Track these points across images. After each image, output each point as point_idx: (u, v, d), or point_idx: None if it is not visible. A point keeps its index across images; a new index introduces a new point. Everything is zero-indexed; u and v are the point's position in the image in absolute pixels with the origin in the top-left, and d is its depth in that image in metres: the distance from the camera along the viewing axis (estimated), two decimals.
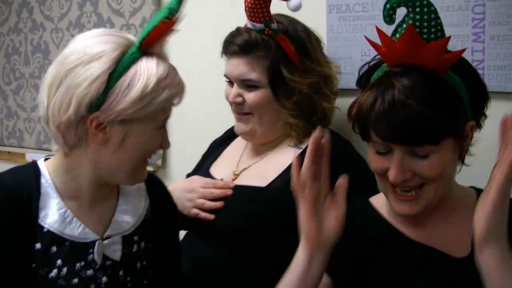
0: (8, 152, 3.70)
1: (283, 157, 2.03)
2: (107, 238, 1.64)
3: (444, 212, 1.57)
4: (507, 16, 1.93)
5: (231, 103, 2.09)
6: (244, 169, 2.12)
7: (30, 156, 3.32)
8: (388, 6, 1.50)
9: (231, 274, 1.99)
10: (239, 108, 2.07)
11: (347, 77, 2.15)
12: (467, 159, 1.59)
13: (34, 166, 1.65)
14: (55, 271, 1.57)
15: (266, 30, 2.02)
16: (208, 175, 2.15)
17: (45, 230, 1.57)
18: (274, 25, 2.02)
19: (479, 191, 1.58)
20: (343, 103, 2.01)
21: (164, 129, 1.65)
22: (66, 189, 1.62)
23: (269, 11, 2.02)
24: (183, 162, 2.52)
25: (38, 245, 1.56)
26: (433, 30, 1.47)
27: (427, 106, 1.41)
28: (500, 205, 1.36)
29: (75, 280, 1.59)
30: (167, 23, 1.56)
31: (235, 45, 2.04)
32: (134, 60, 1.55)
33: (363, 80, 1.59)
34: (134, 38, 1.60)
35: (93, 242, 1.62)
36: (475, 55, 1.98)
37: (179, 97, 1.62)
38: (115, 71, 1.53)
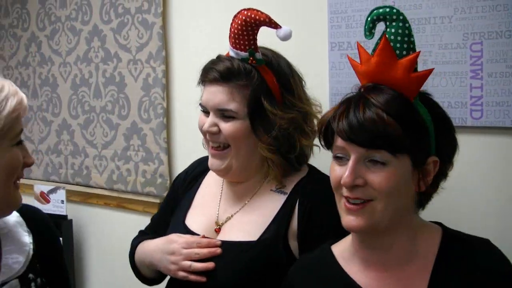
0: None
1: (268, 205, 1.94)
2: (2, 284, 1.57)
3: (402, 256, 1.53)
4: (504, 54, 1.96)
5: (205, 133, 1.96)
6: (227, 220, 2.00)
7: (38, 188, 3.34)
8: (369, 19, 1.54)
9: None
10: (214, 138, 1.94)
11: None
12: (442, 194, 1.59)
13: None
14: None
15: (250, 60, 1.92)
16: (184, 228, 2.02)
17: None
18: (259, 55, 1.94)
19: (445, 230, 1.58)
20: None
21: (23, 145, 1.58)
22: None
23: (256, 40, 1.95)
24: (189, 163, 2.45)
25: None
26: (405, 46, 1.49)
27: (390, 115, 1.42)
28: None
29: None
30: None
31: (216, 71, 1.92)
32: None
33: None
34: None
35: None
36: (473, 91, 2.01)
37: (22, 105, 1.54)
38: None
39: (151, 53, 2.91)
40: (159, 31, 2.87)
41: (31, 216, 1.74)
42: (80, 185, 3.36)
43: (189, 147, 2.79)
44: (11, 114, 1.50)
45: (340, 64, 2.28)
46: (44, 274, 1.67)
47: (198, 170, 2.20)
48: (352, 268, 1.57)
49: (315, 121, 1.98)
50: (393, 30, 1.49)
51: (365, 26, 1.55)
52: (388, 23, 1.50)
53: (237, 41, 1.94)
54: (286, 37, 1.94)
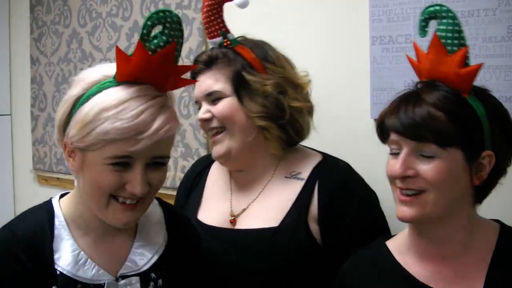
0: (57, 178, 3.79)
1: (285, 191, 1.95)
2: (122, 277, 1.57)
3: (459, 249, 1.54)
4: None
5: (202, 123, 1.99)
6: (242, 211, 2.00)
7: None
8: (421, 18, 1.58)
9: None
10: (209, 125, 1.96)
11: None
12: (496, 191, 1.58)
13: (48, 206, 1.60)
14: None
15: (225, 42, 2.00)
16: (198, 223, 2.01)
17: (59, 273, 1.50)
18: (232, 36, 2.01)
19: (504, 226, 1.58)
20: None
21: (130, 170, 1.48)
22: (77, 225, 1.57)
23: (224, 22, 2.03)
24: None
25: None
26: (456, 42, 1.52)
27: (440, 110, 1.46)
28: None
29: None
30: (152, 55, 1.46)
31: (200, 62, 2.00)
32: (101, 89, 1.47)
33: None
34: None
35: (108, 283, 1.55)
36: None
37: (129, 137, 1.43)
38: (81, 97, 1.49)
39: (191, 49, 2.92)
40: (199, 26, 2.88)
41: (173, 218, 1.74)
42: None
43: None
44: (103, 136, 1.43)
45: (381, 58, 2.26)
46: (170, 278, 1.64)
47: (201, 167, 2.22)
48: (408, 262, 1.58)
49: (308, 90, 2.02)
50: (443, 27, 1.52)
51: (419, 25, 1.59)
52: (439, 21, 1.54)
53: (209, 30, 2.03)
54: (243, 4, 2.05)
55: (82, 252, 1.54)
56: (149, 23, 1.47)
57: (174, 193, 3.06)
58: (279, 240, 1.86)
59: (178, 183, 2.99)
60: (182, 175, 2.96)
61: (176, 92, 2.95)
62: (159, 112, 1.46)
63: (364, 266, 1.66)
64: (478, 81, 1.55)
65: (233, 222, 1.98)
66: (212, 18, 2.01)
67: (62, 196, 1.65)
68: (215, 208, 2.05)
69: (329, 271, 1.78)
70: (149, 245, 1.64)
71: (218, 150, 1.96)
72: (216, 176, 2.14)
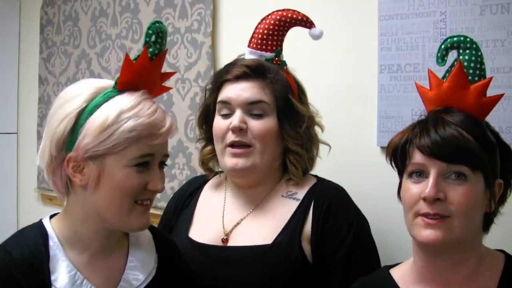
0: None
1: (280, 210, 1.94)
2: None
3: (467, 277, 1.52)
4: None
5: (233, 130, 1.90)
6: (234, 227, 1.98)
7: None
8: (442, 46, 1.60)
9: None
10: (240, 136, 1.89)
11: None
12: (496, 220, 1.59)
13: (40, 227, 1.60)
14: None
15: (275, 60, 1.96)
16: (189, 242, 1.99)
17: None
18: (283, 57, 1.99)
19: (509, 257, 1.58)
20: None
21: (149, 169, 1.55)
22: (70, 245, 1.58)
23: (283, 42, 1.99)
24: None
25: None
26: (477, 72, 1.55)
27: (469, 133, 1.46)
28: None
29: None
30: (151, 62, 1.57)
31: (245, 67, 1.92)
32: (107, 99, 1.53)
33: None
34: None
35: None
36: None
37: (151, 132, 1.52)
38: (85, 109, 1.52)
39: (199, 72, 2.93)
40: (208, 50, 2.89)
41: (161, 240, 1.77)
42: None
43: None
44: (127, 135, 1.49)
45: (389, 86, 2.26)
46: None
47: (194, 186, 2.19)
48: None
49: (316, 128, 2.02)
50: (466, 57, 1.56)
51: (437, 54, 1.60)
52: (461, 51, 1.57)
53: (264, 42, 1.97)
54: (319, 36, 2.02)
55: (78, 273, 1.55)
56: (150, 31, 1.59)
57: None
58: (271, 258, 1.84)
59: None
60: None
61: (183, 116, 2.99)
62: (164, 111, 1.59)
63: None
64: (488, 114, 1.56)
65: (225, 241, 1.95)
66: (276, 33, 1.97)
67: (52, 216, 1.66)
68: (206, 227, 2.01)
69: None
70: (142, 266, 1.66)
71: (243, 163, 1.90)
72: (209, 196, 2.12)
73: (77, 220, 1.59)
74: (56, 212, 1.67)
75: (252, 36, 2.01)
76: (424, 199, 1.46)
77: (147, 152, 1.53)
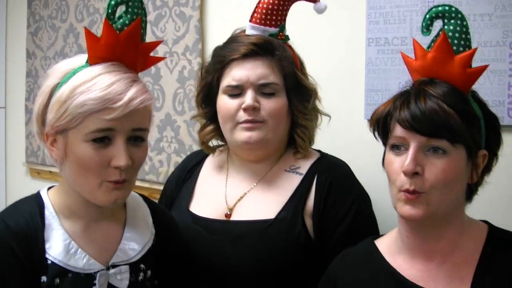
0: (50, 171, 3.78)
1: (283, 184, 1.95)
2: (113, 266, 1.59)
3: (449, 247, 1.54)
4: None
5: (246, 109, 1.88)
6: (238, 200, 1.98)
7: None
8: (427, 16, 1.58)
9: None
10: (254, 115, 1.88)
11: None
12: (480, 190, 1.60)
13: (37, 198, 1.61)
14: None
15: (280, 35, 1.95)
16: (190, 215, 2.00)
17: (50, 262, 1.52)
18: (286, 31, 1.98)
19: (491, 227, 1.59)
20: None
21: (113, 145, 1.50)
22: (66, 215, 1.59)
23: (286, 17, 1.97)
24: None
25: (43, 278, 1.51)
26: (462, 43, 1.54)
27: (450, 106, 1.46)
28: None
29: None
30: (120, 34, 1.53)
31: (253, 45, 1.90)
32: (74, 73, 1.51)
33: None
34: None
35: (98, 273, 1.57)
36: None
37: (105, 106, 1.46)
38: (57, 85, 1.52)
39: (188, 46, 2.93)
40: (196, 24, 2.88)
41: (158, 214, 1.77)
42: None
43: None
44: (79, 109, 1.46)
45: (376, 60, 2.27)
46: (157, 270, 1.68)
47: (194, 161, 2.19)
48: (397, 261, 1.59)
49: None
50: (451, 27, 1.54)
51: (422, 23, 1.60)
52: (446, 21, 1.56)
53: (268, 17, 1.94)
54: (323, 10, 2.02)
55: (72, 242, 1.56)
56: (112, 2, 1.55)
57: None
58: (273, 232, 1.85)
59: None
60: None
61: (171, 89, 2.99)
62: (131, 84, 1.49)
63: (350, 265, 1.67)
64: (473, 85, 1.56)
65: (228, 216, 1.96)
66: (280, 7, 1.94)
67: (49, 188, 1.67)
68: (208, 201, 2.02)
69: (320, 267, 1.78)
70: (138, 238, 1.67)
71: (256, 136, 1.89)
72: (210, 170, 2.12)
73: (66, 191, 1.60)
74: (53, 184, 1.69)
75: (255, 11, 1.97)
76: (404, 172, 1.47)
77: (104, 126, 1.47)
